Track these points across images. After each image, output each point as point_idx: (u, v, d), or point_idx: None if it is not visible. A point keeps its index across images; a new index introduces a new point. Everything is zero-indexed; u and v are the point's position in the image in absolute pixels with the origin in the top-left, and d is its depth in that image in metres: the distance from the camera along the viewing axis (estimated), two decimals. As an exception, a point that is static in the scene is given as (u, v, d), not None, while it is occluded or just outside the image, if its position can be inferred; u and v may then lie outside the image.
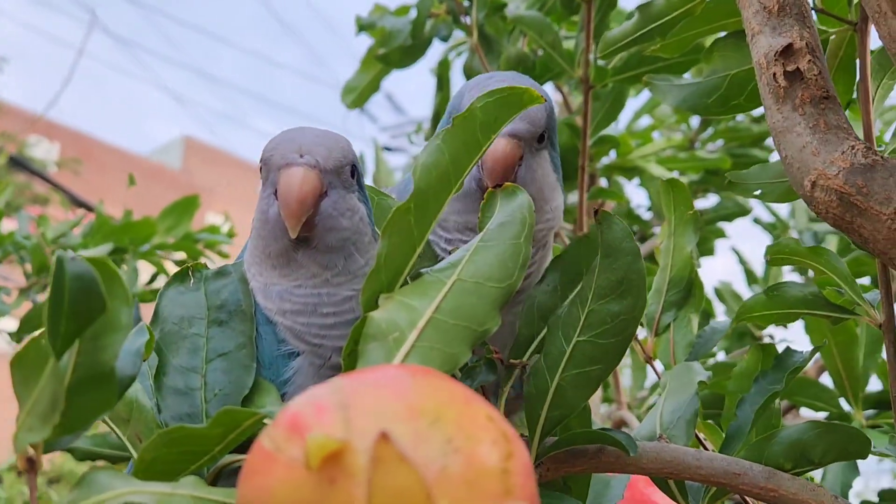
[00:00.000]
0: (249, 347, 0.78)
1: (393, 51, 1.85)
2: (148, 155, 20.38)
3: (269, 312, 0.81)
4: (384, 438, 0.43)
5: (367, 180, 2.92)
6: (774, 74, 0.85)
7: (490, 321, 0.70)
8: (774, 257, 1.08)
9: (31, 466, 0.53)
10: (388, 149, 15.31)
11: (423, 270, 0.74)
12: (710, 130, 2.47)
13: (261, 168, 0.84)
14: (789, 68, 0.84)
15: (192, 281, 0.82)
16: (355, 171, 0.85)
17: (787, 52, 0.85)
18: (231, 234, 2.80)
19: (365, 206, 0.86)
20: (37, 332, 0.53)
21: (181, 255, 2.61)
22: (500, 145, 0.85)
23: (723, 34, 1.09)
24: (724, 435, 1.00)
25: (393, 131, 16.69)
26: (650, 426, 0.98)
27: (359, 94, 2.01)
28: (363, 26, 1.98)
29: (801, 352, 1.02)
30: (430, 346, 0.66)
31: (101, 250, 2.15)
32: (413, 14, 1.94)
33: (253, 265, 0.84)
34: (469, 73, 1.90)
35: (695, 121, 2.47)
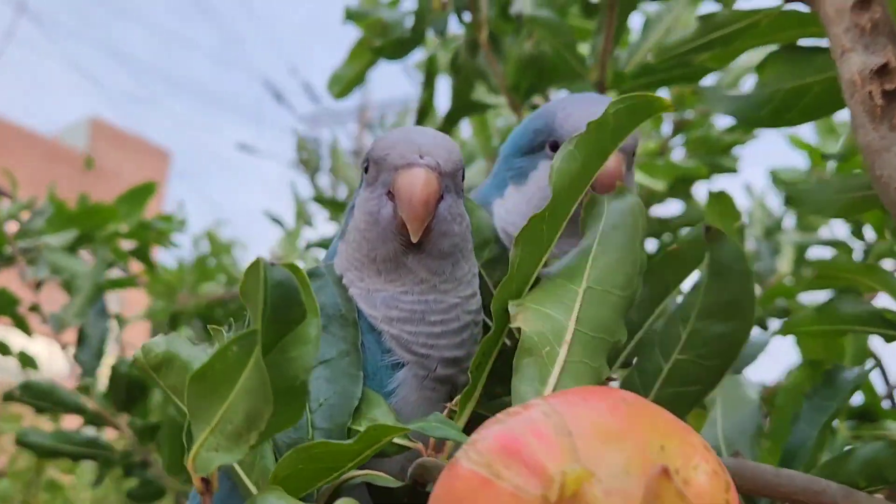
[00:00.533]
0: (354, 355, 0.74)
1: (389, 43, 1.81)
2: (53, 135, 19.66)
3: (373, 320, 0.77)
4: (665, 474, 0.41)
5: (324, 173, 2.83)
6: (870, 93, 0.84)
7: (620, 332, 0.68)
8: (824, 274, 1.08)
9: (208, 488, 0.49)
10: (304, 138, 15.12)
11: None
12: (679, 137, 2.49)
13: (366, 167, 0.80)
14: (887, 87, 0.84)
15: (280, 282, 0.78)
16: (463, 175, 0.82)
17: (882, 70, 0.84)
18: (181, 223, 2.72)
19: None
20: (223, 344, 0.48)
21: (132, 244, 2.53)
22: (612, 160, 0.82)
23: (775, 47, 1.09)
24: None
25: (310, 120, 16.46)
26: (711, 441, 0.97)
27: (345, 85, 1.96)
28: (352, 16, 1.93)
29: (851, 369, 1.02)
30: (578, 361, 0.64)
31: (67, 237, 2.05)
32: (405, 5, 1.91)
33: (351, 269, 0.80)
34: (456, 69, 1.87)
35: (666, 128, 2.49)
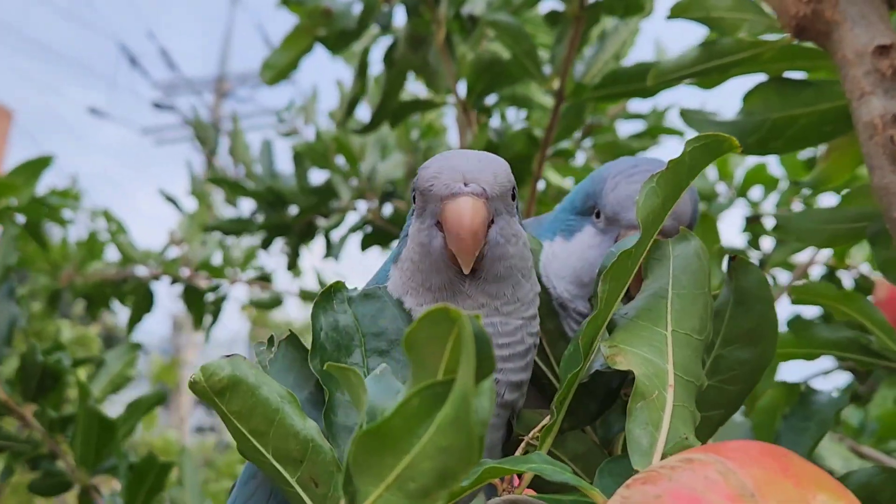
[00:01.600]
0: None
1: (333, 34, 1.77)
2: None
3: None
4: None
5: (224, 153, 2.74)
6: (892, 137, 0.88)
7: (702, 376, 0.69)
8: (800, 297, 1.13)
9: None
10: (158, 105, 14.63)
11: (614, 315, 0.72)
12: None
13: (414, 197, 0.78)
14: (910, 134, 0.87)
15: (335, 302, 0.75)
16: (514, 194, 0.80)
17: (904, 116, 0.88)
18: (76, 198, 2.59)
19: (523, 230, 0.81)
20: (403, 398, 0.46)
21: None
22: None
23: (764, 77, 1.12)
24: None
25: (165, 88, 15.93)
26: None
27: (278, 72, 1.91)
28: (289, 2, 1.88)
29: (824, 392, 1.07)
30: (681, 405, 0.64)
31: (-30, 214, 1.91)
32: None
33: (408, 296, 0.77)
34: (391, 62, 1.85)
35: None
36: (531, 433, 0.70)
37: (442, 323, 0.46)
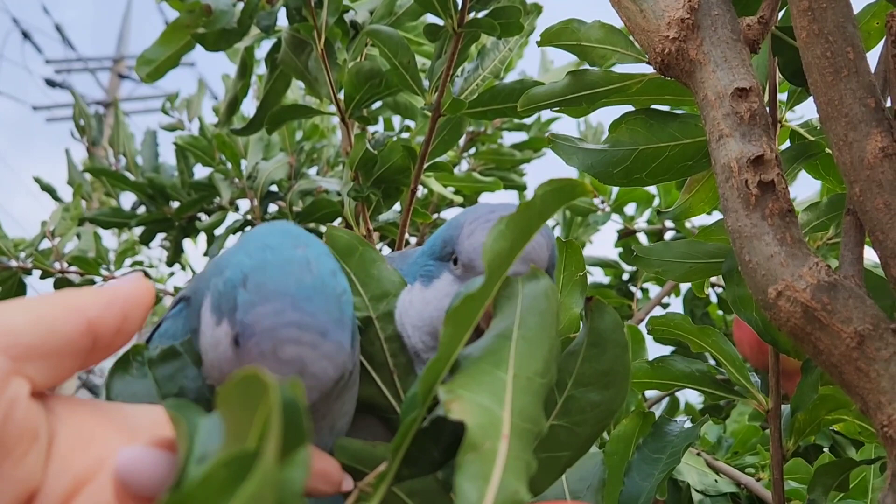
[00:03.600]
0: None
1: (213, 33, 1.72)
2: None
3: None
4: None
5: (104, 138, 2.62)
6: (747, 181, 0.89)
7: (543, 421, 0.68)
8: (657, 328, 1.14)
9: None
10: (51, 83, 14.14)
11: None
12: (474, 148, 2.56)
13: (227, 307, 0.63)
14: (764, 178, 0.89)
15: (134, 367, 0.71)
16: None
17: (758, 161, 0.90)
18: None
19: (351, 346, 0.69)
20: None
21: None
22: None
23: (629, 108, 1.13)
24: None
25: (58, 65, 15.34)
26: (558, 493, 1.00)
27: (155, 68, 1.84)
28: (168, -5, 1.82)
29: (677, 421, 1.09)
30: (515, 456, 0.63)
31: None
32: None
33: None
34: (273, 62, 1.82)
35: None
36: (364, 480, 0.68)
37: (253, 388, 0.44)
